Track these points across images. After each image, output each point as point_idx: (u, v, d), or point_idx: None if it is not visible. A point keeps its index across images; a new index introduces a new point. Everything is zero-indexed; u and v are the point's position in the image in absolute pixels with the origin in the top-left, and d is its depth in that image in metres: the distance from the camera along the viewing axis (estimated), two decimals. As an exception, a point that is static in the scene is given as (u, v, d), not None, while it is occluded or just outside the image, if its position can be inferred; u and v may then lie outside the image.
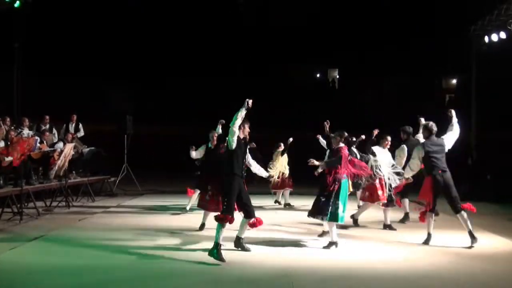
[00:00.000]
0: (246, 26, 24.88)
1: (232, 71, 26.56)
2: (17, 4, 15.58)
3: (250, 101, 7.62)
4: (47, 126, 14.77)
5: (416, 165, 9.02)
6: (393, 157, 10.41)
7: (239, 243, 8.15)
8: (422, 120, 11.45)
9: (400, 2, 22.99)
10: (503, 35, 15.44)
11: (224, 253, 7.57)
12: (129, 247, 8.36)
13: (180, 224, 10.53)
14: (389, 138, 10.40)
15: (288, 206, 13.41)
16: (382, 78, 25.41)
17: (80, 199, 13.66)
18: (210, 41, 25.94)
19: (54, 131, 15.12)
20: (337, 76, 30.73)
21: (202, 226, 9.93)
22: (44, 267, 7.18)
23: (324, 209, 8.55)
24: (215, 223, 7.74)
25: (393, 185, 10.13)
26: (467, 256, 8.17)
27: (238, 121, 7.65)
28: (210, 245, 7.58)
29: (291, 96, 27.12)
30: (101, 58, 24.53)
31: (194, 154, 10.95)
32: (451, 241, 9.11)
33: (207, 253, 7.58)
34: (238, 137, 7.83)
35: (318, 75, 30.92)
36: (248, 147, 8.49)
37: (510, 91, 19.75)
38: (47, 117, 14.99)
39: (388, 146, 10.46)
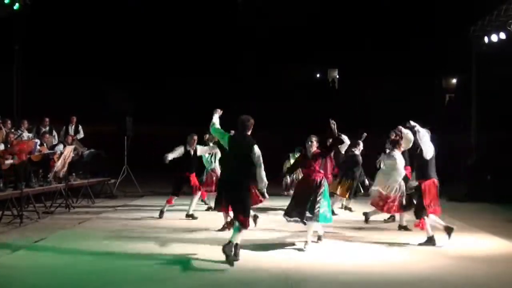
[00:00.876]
0: (246, 26, 24.87)
1: (232, 71, 26.54)
2: (16, 6, 15.57)
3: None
4: (47, 128, 14.78)
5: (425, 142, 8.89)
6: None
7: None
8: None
9: (400, 2, 22.97)
10: (502, 35, 15.42)
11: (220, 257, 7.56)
12: (129, 250, 8.38)
13: (181, 226, 10.54)
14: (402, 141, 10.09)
15: None
16: (382, 78, 25.37)
17: (80, 201, 13.66)
18: (210, 41, 25.91)
19: (54, 133, 15.11)
20: (337, 76, 30.69)
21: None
22: (44, 270, 7.19)
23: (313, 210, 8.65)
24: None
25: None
26: (467, 258, 8.17)
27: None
28: (210, 248, 7.55)
29: (291, 96, 27.10)
30: (100, 58, 24.51)
31: (170, 156, 11.30)
32: (451, 243, 9.10)
33: (206, 256, 7.61)
34: None
35: (318, 75, 30.89)
36: None
37: (510, 91, 19.73)
38: (47, 119, 15.00)
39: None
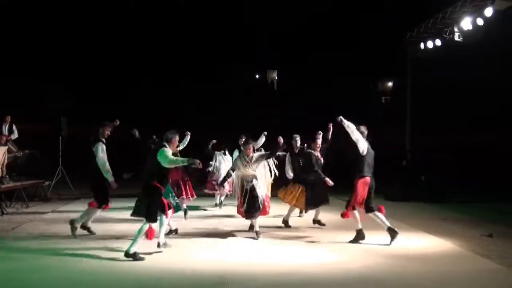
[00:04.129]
0: (186, 28, 24.76)
1: (166, 72, 26.29)
2: None
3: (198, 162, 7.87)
4: (-20, 128, 14.13)
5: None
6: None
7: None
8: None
9: (340, 7, 23.43)
10: (438, 42, 15.95)
11: (161, 259, 7.62)
12: (65, 256, 8.15)
13: (115, 230, 10.29)
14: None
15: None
16: (321, 79, 25.74)
17: (14, 205, 13.13)
18: (152, 42, 25.56)
19: (-13, 133, 14.46)
20: (276, 78, 30.89)
21: None
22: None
23: None
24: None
25: None
26: (401, 257, 8.33)
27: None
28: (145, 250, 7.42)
29: (232, 96, 27.15)
30: (35, 57, 23.77)
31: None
32: (385, 242, 9.31)
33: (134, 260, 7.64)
34: None
35: (257, 76, 31.03)
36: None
37: (443, 95, 20.50)
38: (-20, 119, 14.35)
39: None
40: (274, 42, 25.85)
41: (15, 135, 15.14)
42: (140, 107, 24.82)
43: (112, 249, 8.58)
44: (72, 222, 9.53)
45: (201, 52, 25.93)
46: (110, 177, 9.26)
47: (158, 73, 26.05)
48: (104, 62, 25.44)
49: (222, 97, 26.86)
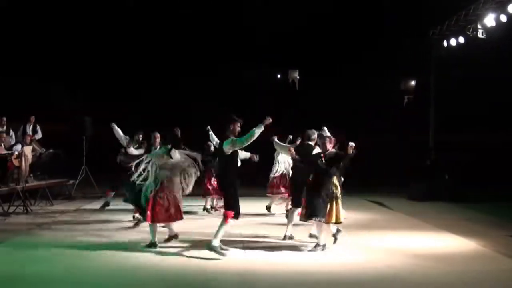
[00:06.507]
0: (207, 26, 24.81)
1: (187, 72, 26.30)
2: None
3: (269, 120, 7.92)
4: (4, 127, 14.33)
5: None
6: None
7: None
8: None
9: (361, 5, 23.30)
10: (461, 40, 15.81)
11: (183, 257, 7.69)
12: (89, 253, 8.24)
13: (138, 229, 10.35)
14: None
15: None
16: (343, 79, 25.60)
17: (38, 203, 13.32)
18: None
19: (12, 133, 14.68)
20: (297, 77, 30.80)
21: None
22: (2, 276, 6.97)
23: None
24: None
25: None
26: (426, 257, 8.26)
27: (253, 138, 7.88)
28: (168, 249, 7.51)
29: (253, 97, 27.12)
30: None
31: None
32: (409, 242, 9.25)
33: (160, 258, 7.65)
34: None
35: (278, 76, 30.99)
36: None
37: (467, 93, 20.25)
38: (4, 118, 14.53)
39: None
40: (289, 42, 25.80)
41: (39, 135, 15.33)
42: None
43: (135, 245, 8.66)
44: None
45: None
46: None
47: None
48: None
49: (244, 98, 26.81)
